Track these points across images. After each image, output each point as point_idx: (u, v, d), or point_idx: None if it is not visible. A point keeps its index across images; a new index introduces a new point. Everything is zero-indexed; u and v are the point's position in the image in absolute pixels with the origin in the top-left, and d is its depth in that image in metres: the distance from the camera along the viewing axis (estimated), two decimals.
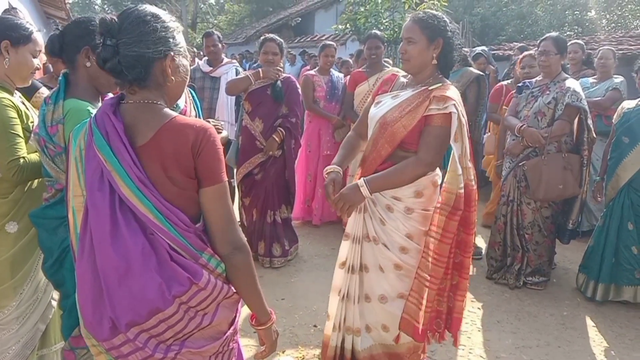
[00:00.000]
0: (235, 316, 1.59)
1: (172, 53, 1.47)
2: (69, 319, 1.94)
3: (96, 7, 36.57)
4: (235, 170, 4.36)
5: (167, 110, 1.46)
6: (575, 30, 14.86)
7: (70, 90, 2.00)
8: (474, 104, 4.49)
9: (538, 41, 4.00)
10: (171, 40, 1.47)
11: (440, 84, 2.30)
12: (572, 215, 3.89)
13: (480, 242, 4.90)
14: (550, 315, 3.58)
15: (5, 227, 2.22)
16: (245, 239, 1.53)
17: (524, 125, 3.75)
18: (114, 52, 1.39)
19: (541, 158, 3.72)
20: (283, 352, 3.06)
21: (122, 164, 1.37)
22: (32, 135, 2.15)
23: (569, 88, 3.70)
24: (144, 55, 1.41)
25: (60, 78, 2.04)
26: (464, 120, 2.23)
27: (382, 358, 2.52)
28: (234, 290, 1.52)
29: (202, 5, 32.59)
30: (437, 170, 2.38)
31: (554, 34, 3.92)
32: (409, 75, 2.47)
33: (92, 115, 1.48)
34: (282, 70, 4.12)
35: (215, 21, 31.59)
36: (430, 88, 2.30)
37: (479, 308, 3.68)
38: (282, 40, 4.17)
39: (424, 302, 2.25)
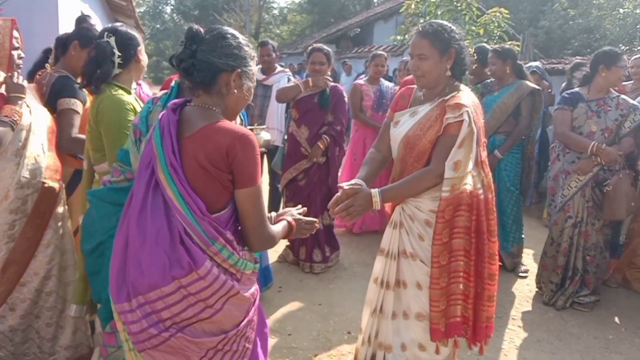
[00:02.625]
0: (244, 320, 1.64)
1: (239, 70, 1.65)
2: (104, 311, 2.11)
3: (166, 15, 38.18)
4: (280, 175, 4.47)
5: (218, 115, 1.64)
6: None
7: (181, 95, 2.17)
8: (528, 118, 4.38)
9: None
10: (243, 59, 1.67)
11: (455, 92, 2.27)
12: (623, 229, 3.81)
13: (529, 260, 4.77)
14: (594, 338, 3.45)
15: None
16: (274, 232, 1.72)
17: (602, 145, 3.60)
18: (192, 56, 1.61)
19: (619, 177, 3.63)
20: (315, 356, 3.10)
21: (164, 150, 1.57)
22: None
23: (637, 106, 3.71)
24: (214, 63, 1.61)
25: (173, 84, 2.25)
26: (476, 127, 2.18)
27: None
28: (246, 293, 1.62)
29: (265, 16, 33.35)
30: (469, 179, 2.25)
31: (604, 48, 3.81)
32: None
33: (161, 113, 1.70)
34: (330, 79, 4.20)
35: (278, 31, 32.24)
36: (446, 98, 2.27)
37: (519, 326, 3.59)
38: (329, 50, 4.25)
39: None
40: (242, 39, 1.69)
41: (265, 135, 3.62)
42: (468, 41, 10.20)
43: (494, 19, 10.51)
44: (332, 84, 4.29)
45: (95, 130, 2.39)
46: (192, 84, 1.65)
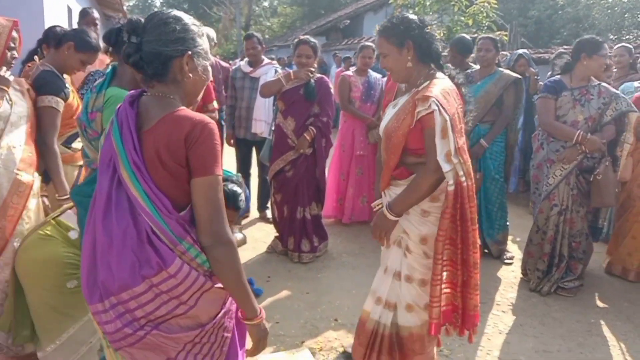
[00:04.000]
0: (220, 311, 1.63)
1: (189, 52, 1.58)
2: None
3: (155, 9, 37.87)
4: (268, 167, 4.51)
5: (176, 103, 1.58)
6: (635, 34, 14.24)
7: (116, 80, 2.19)
8: (511, 107, 4.44)
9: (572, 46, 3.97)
10: (190, 41, 1.59)
11: (428, 82, 2.29)
12: (602, 213, 3.95)
13: (513, 248, 4.84)
14: (576, 322, 3.52)
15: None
16: (232, 234, 1.56)
17: (587, 134, 3.66)
18: (137, 49, 1.54)
19: (606, 165, 3.69)
20: (302, 343, 3.15)
21: (125, 147, 1.51)
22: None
23: (617, 94, 3.76)
24: (162, 52, 1.54)
25: (108, 70, 2.25)
26: (448, 114, 2.17)
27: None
28: (217, 285, 1.58)
29: (255, 8, 33.19)
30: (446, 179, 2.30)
31: (585, 37, 3.86)
32: None
33: (118, 106, 1.64)
34: (314, 71, 4.22)
35: (268, 23, 32.11)
36: (419, 89, 2.29)
37: (503, 311, 3.65)
38: (315, 42, 4.26)
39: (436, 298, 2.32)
40: (186, 19, 1.60)
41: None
42: (457, 31, 10.27)
43: (482, 9, 10.56)
44: (318, 75, 4.32)
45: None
46: (146, 77, 1.59)
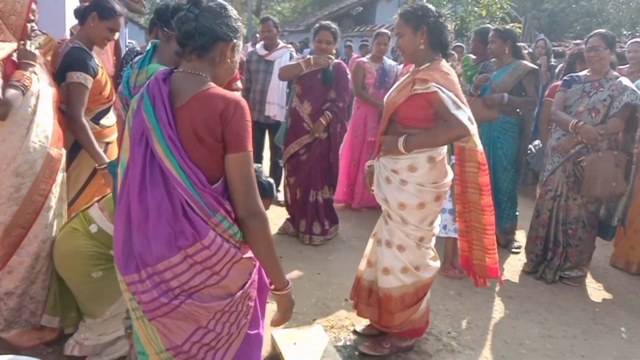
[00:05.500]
0: (247, 282, 1.72)
1: (234, 41, 1.70)
2: None
3: None
4: (283, 150, 4.58)
5: (208, 81, 1.66)
6: None
7: (157, 56, 2.25)
8: (534, 95, 4.48)
9: (585, 38, 3.99)
10: (238, 32, 1.71)
11: (428, 64, 2.59)
12: (617, 212, 3.92)
13: (521, 236, 4.90)
14: (581, 310, 3.59)
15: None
16: (264, 207, 1.66)
17: (580, 122, 3.73)
18: (194, 19, 1.63)
19: (598, 155, 3.72)
20: (314, 321, 3.24)
21: (159, 122, 1.58)
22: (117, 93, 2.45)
23: (627, 87, 3.74)
24: (215, 31, 1.65)
25: (148, 47, 2.31)
26: (451, 92, 2.48)
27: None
28: (247, 256, 1.67)
29: None
30: (440, 148, 2.65)
31: (602, 30, 3.89)
32: None
33: (147, 82, 1.70)
34: (333, 57, 4.27)
35: (279, 8, 31.98)
36: (419, 69, 2.59)
37: (509, 297, 3.73)
38: (336, 28, 4.30)
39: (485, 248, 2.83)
40: (238, 15, 1.74)
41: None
42: (470, 21, 10.25)
43: (496, 0, 10.53)
44: (336, 61, 4.36)
45: None
46: (187, 48, 1.66)
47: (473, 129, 2.52)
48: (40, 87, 2.63)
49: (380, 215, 2.88)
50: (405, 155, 2.63)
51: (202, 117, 1.58)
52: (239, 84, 4.49)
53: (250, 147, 1.63)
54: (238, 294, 1.68)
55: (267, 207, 2.35)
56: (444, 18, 2.59)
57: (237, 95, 1.69)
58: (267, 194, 2.37)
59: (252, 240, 1.65)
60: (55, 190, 2.69)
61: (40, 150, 2.59)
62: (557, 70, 6.37)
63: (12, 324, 2.64)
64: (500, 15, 10.55)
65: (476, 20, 10.80)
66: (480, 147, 2.60)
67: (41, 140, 2.59)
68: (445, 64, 2.62)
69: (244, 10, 28.67)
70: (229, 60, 1.71)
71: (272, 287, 1.78)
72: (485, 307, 3.55)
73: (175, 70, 1.70)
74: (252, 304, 1.78)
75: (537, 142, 5.35)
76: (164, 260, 1.57)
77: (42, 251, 2.66)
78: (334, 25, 4.31)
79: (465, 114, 2.50)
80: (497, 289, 3.84)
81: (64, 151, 2.80)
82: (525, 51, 7.02)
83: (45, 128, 2.62)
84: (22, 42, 2.56)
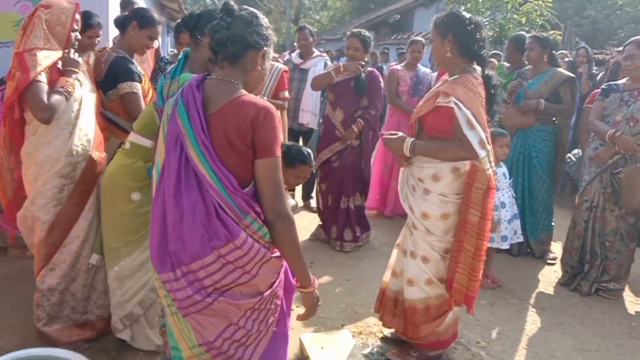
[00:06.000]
0: (275, 281, 1.79)
1: (265, 49, 1.77)
2: None
3: (208, 0, 38.63)
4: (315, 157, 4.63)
5: (240, 89, 1.73)
6: None
7: (188, 65, 2.33)
8: (572, 104, 4.42)
9: (622, 46, 3.91)
10: (268, 41, 1.79)
11: (457, 75, 2.56)
12: None
13: (557, 248, 4.80)
14: (617, 324, 3.50)
15: (133, 195, 2.62)
16: (291, 211, 1.74)
17: (618, 132, 3.65)
18: (227, 28, 1.71)
19: (636, 166, 3.62)
20: (342, 326, 3.26)
21: (193, 128, 1.65)
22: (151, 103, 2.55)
23: None
24: (247, 38, 1.72)
25: (180, 56, 2.40)
26: (469, 110, 2.42)
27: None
28: (275, 256, 1.74)
29: (305, 1, 33.35)
30: (482, 164, 2.53)
31: (638, 37, 3.79)
32: None
33: (181, 88, 1.77)
34: (364, 64, 4.31)
35: (318, 17, 32.24)
36: (449, 79, 2.58)
37: (542, 308, 3.66)
38: (367, 35, 4.34)
39: (474, 272, 2.58)
40: (269, 24, 1.80)
41: (291, 202, 3.82)
42: (510, 29, 10.10)
43: (536, 7, 10.34)
44: (369, 69, 4.40)
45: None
46: (220, 55, 1.73)
47: (482, 153, 2.44)
48: (83, 93, 2.76)
49: (404, 225, 2.87)
50: (430, 164, 2.61)
51: (234, 124, 1.65)
52: (286, 93, 4.60)
53: (279, 153, 1.70)
54: (267, 292, 1.76)
55: (306, 175, 2.60)
56: (473, 25, 2.54)
57: (267, 102, 1.74)
58: (306, 159, 2.56)
59: (279, 241, 1.73)
60: (96, 191, 2.82)
61: (83, 153, 2.72)
62: (598, 78, 6.25)
63: (54, 319, 2.77)
64: (540, 23, 10.35)
65: (515, 27, 10.63)
66: (489, 170, 2.48)
67: (83, 143, 2.72)
68: (475, 77, 2.56)
69: (282, 19, 29.06)
70: (259, 68, 1.78)
71: (298, 284, 1.86)
72: (517, 318, 3.50)
73: (207, 77, 1.77)
74: (279, 302, 1.86)
75: (576, 150, 5.24)
76: (198, 259, 1.65)
77: (83, 250, 2.78)
78: (364, 33, 4.35)
79: (477, 136, 2.43)
80: (531, 300, 3.78)
81: (105, 155, 2.92)
82: (566, 59, 6.93)
83: (87, 132, 2.74)
84: (67, 50, 2.69)
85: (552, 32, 10.37)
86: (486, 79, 2.60)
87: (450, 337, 2.91)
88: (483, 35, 2.56)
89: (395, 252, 2.98)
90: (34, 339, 2.76)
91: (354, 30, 4.43)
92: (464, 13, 2.59)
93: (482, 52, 2.58)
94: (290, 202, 3.47)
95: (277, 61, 5.42)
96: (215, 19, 1.73)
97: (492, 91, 2.60)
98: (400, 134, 2.73)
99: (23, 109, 2.67)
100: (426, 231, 2.65)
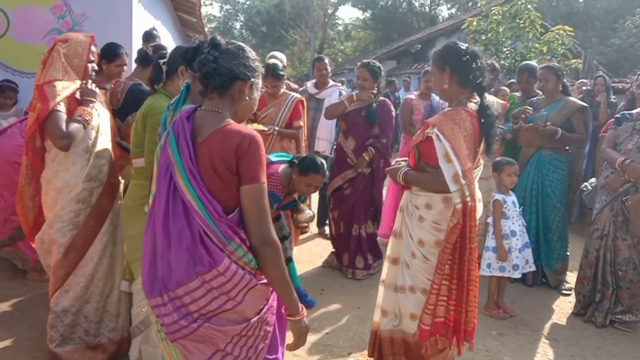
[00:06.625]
0: (264, 307, 1.80)
1: (252, 80, 1.84)
2: None
3: (235, 31, 39.65)
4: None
5: (227, 118, 1.78)
6: None
7: (190, 97, 2.44)
8: (584, 133, 4.41)
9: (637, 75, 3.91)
10: (255, 72, 1.85)
11: (450, 109, 2.61)
12: None
13: (573, 278, 4.71)
14: (632, 358, 3.41)
15: (144, 207, 2.69)
16: (277, 236, 1.75)
17: (628, 160, 3.64)
18: (214, 61, 1.77)
19: None
20: (349, 354, 3.27)
21: (182, 157, 1.71)
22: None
23: None
24: (233, 70, 1.78)
25: (182, 88, 2.51)
26: (448, 141, 2.43)
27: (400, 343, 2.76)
28: (262, 283, 1.75)
29: (330, 32, 33.95)
30: (453, 198, 2.49)
31: None
32: None
33: (173, 120, 1.85)
34: (375, 93, 4.39)
35: (342, 47, 32.74)
36: (445, 110, 2.61)
37: (555, 339, 3.60)
38: (377, 66, 4.43)
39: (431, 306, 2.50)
40: (255, 56, 1.86)
41: (308, 213, 3.93)
42: (530, 58, 10.11)
43: (557, 36, 10.34)
44: (381, 98, 4.48)
45: (141, 128, 2.67)
46: (209, 87, 1.79)
47: (453, 186, 2.42)
48: (100, 121, 2.89)
49: (385, 259, 2.90)
50: (423, 193, 2.62)
51: (219, 151, 1.70)
52: (300, 122, 4.70)
53: (263, 179, 1.73)
54: (254, 319, 1.76)
55: (318, 184, 2.75)
56: (469, 56, 2.54)
57: (252, 130, 1.79)
58: (318, 168, 2.76)
59: (265, 267, 1.74)
60: (112, 216, 2.92)
61: (99, 179, 2.84)
62: (619, 107, 6.20)
63: (67, 340, 2.85)
64: (561, 52, 10.33)
65: (537, 56, 10.63)
66: (459, 205, 2.42)
67: (100, 169, 2.84)
68: (467, 110, 2.55)
69: (307, 49, 29.61)
70: (247, 98, 1.84)
71: (286, 312, 1.84)
72: (528, 349, 3.45)
73: (198, 109, 1.84)
74: (270, 329, 1.86)
75: (593, 180, 5.20)
76: (184, 285, 1.68)
77: (97, 273, 2.88)
78: (373, 63, 4.44)
79: (451, 169, 2.42)
80: (544, 331, 3.72)
81: (121, 181, 3.04)
82: (584, 87, 6.91)
83: (103, 159, 2.87)
84: (85, 81, 2.84)
85: (573, 61, 10.36)
86: (481, 109, 2.58)
87: None
88: (480, 64, 2.56)
89: (381, 290, 2.90)
90: None
91: (364, 61, 4.53)
92: (460, 44, 2.61)
93: (479, 82, 2.59)
94: (307, 213, 3.55)
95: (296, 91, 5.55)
96: (203, 53, 1.80)
97: (483, 120, 2.55)
98: (403, 162, 2.78)
99: (44, 138, 2.81)
100: (424, 258, 2.62)
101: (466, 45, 2.60)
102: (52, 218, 2.79)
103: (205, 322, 1.71)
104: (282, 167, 2.90)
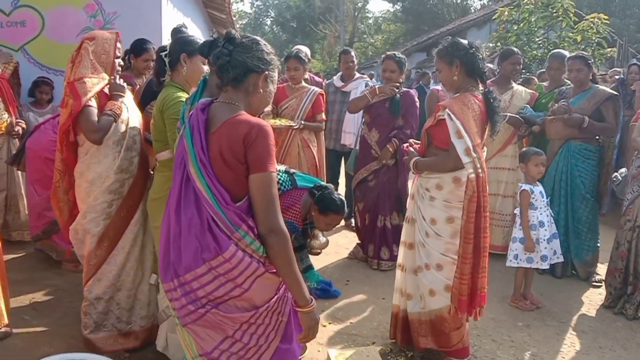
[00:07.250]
0: (274, 297, 1.82)
1: (267, 72, 1.88)
2: None
3: (266, 27, 39.91)
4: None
5: (239, 109, 1.83)
6: None
7: (207, 91, 2.50)
8: (614, 122, 4.31)
9: None
10: (270, 64, 1.89)
11: (458, 94, 2.83)
12: None
13: (604, 270, 4.63)
14: None
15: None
16: (284, 225, 1.76)
17: None
18: (228, 54, 1.83)
19: None
20: (372, 344, 3.30)
21: (194, 147, 1.77)
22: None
23: None
24: (247, 63, 1.83)
25: (200, 81, 2.57)
26: (459, 120, 2.67)
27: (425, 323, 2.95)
28: (272, 271, 1.77)
29: (360, 25, 33.80)
30: (466, 169, 2.72)
31: None
32: None
33: (191, 113, 1.91)
34: (398, 85, 4.39)
35: (372, 40, 32.56)
36: (454, 96, 2.81)
37: (583, 331, 3.55)
38: (402, 57, 4.43)
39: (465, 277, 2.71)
40: (271, 49, 1.89)
41: (322, 239, 4.03)
42: (564, 47, 9.89)
43: (592, 24, 10.06)
44: (404, 89, 4.48)
45: (160, 122, 2.74)
46: (224, 80, 1.83)
47: (466, 159, 2.68)
48: (130, 115, 2.99)
49: (401, 244, 3.12)
50: (434, 175, 2.85)
51: (227, 141, 1.75)
52: (322, 115, 4.74)
53: (272, 168, 1.75)
54: (263, 307, 1.78)
55: (337, 222, 2.85)
56: (474, 49, 2.83)
57: (262, 120, 1.82)
58: (339, 209, 2.89)
59: (272, 256, 1.76)
60: (142, 206, 3.03)
61: (130, 171, 2.94)
62: None
63: (100, 327, 2.96)
64: (596, 40, 10.05)
65: (571, 45, 10.38)
66: (472, 174, 2.68)
67: (130, 161, 2.94)
68: (475, 95, 2.79)
69: (337, 43, 29.56)
70: (261, 90, 1.87)
71: (295, 304, 1.83)
72: (555, 341, 3.42)
73: (214, 101, 1.90)
74: (283, 318, 1.87)
75: (623, 169, 5.08)
76: (191, 270, 1.74)
77: (128, 261, 2.98)
78: (398, 55, 4.44)
79: (463, 144, 2.67)
80: (571, 323, 3.68)
81: (151, 172, 3.14)
82: (617, 76, 6.73)
83: (133, 151, 2.97)
84: (113, 76, 2.94)
85: (608, 49, 10.07)
86: (486, 94, 2.83)
87: (468, 345, 3.02)
88: (482, 56, 2.86)
89: (399, 274, 3.11)
90: (79, 347, 2.95)
91: (389, 53, 4.54)
92: (462, 40, 2.89)
93: (483, 70, 2.88)
94: (321, 239, 3.60)
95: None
96: (218, 47, 1.85)
97: (492, 101, 2.80)
98: (412, 150, 3.06)
99: (76, 133, 2.92)
100: (436, 235, 2.83)
101: (467, 40, 2.90)
102: (85, 209, 2.90)
103: (213, 308, 1.75)
104: (304, 197, 2.96)
